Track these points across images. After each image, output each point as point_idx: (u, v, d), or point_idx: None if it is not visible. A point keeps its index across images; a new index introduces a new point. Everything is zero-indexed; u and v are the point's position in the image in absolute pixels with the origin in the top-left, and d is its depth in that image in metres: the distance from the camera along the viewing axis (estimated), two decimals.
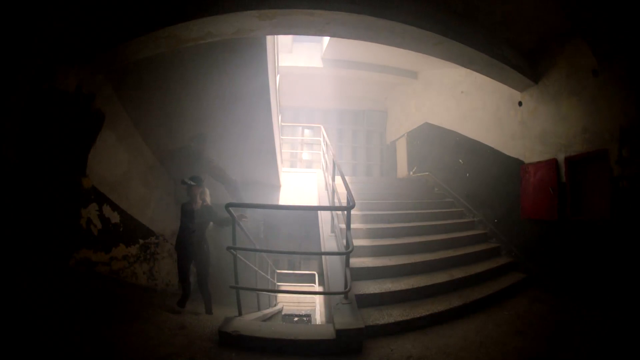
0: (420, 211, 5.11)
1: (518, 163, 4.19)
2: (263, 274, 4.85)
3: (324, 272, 3.44)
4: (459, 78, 5.71)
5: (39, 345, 1.80)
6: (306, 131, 10.28)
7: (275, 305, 6.23)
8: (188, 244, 3.44)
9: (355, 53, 6.80)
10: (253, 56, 3.44)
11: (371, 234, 4.13)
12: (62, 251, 2.86)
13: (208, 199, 3.72)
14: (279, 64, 5.54)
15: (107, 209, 3.68)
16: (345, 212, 2.87)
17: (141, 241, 4.60)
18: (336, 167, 4.06)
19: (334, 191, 4.41)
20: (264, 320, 3.72)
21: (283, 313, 6.42)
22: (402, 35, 3.21)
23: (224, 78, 3.62)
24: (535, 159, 3.91)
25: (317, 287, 7.45)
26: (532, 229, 3.97)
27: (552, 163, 3.62)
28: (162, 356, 2.03)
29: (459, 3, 3.23)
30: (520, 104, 4.21)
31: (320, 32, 3.42)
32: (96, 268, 3.45)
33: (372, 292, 2.94)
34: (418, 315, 2.73)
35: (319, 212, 4.68)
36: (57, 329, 2.00)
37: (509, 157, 4.42)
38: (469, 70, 4.21)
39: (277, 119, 5.26)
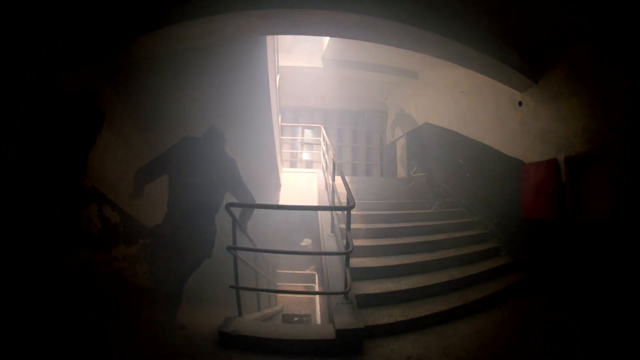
0: (420, 211, 5.11)
1: (518, 163, 4.19)
2: (263, 274, 4.85)
3: (324, 272, 3.44)
4: (459, 78, 5.71)
5: (38, 345, 1.80)
6: (306, 131, 10.27)
7: (275, 305, 6.23)
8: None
9: (355, 53, 6.79)
10: (253, 56, 3.44)
11: (371, 234, 4.13)
12: (61, 251, 2.85)
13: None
14: (279, 64, 5.54)
15: (107, 209, 3.68)
16: (345, 212, 2.87)
17: (141, 241, 4.60)
18: (336, 167, 4.06)
19: (334, 191, 4.41)
20: (264, 320, 3.72)
21: (283, 313, 6.41)
22: (402, 35, 3.21)
23: (224, 78, 3.62)
24: (535, 158, 3.91)
25: (317, 287, 7.45)
26: (532, 228, 3.97)
27: (552, 163, 3.62)
28: (162, 356, 2.03)
29: (459, 3, 3.23)
30: (520, 104, 4.21)
31: (320, 32, 3.42)
32: (96, 268, 3.45)
33: (372, 292, 2.94)
34: (418, 315, 2.73)
35: (319, 212, 4.68)
36: (57, 329, 2.00)
37: (509, 157, 4.42)
38: (469, 71, 4.21)
39: (277, 119, 5.26)
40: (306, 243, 5.12)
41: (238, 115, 4.22)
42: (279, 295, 7.01)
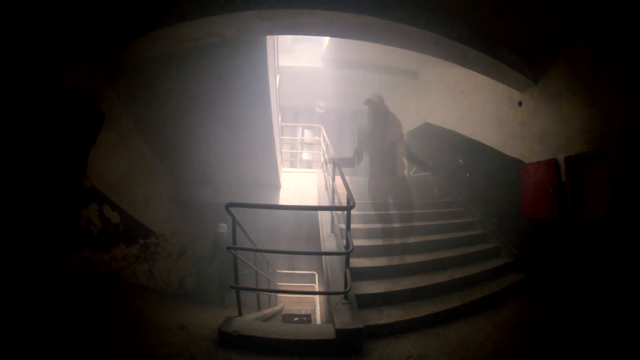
0: (420, 211, 5.10)
1: (518, 163, 4.19)
2: (263, 273, 4.85)
3: (324, 272, 3.44)
4: (459, 78, 5.71)
5: (38, 345, 1.80)
6: (306, 131, 10.27)
7: (275, 305, 6.23)
8: None
9: (355, 53, 6.79)
10: (253, 56, 3.44)
11: (371, 234, 4.13)
12: (62, 251, 2.86)
13: None
14: (279, 64, 5.54)
15: (107, 209, 3.69)
16: (345, 212, 2.87)
17: (141, 241, 4.61)
18: (336, 167, 4.06)
19: (334, 191, 4.41)
20: (264, 320, 3.72)
21: (283, 313, 6.42)
22: (402, 35, 3.21)
23: (224, 78, 3.62)
24: (535, 158, 3.91)
25: (317, 287, 7.45)
26: (531, 228, 3.97)
27: (552, 163, 3.62)
28: (162, 356, 2.03)
29: (458, 3, 3.23)
30: (520, 103, 4.21)
31: (320, 32, 3.42)
32: (96, 268, 3.45)
33: (372, 292, 2.94)
34: (418, 316, 2.73)
35: (319, 212, 4.68)
36: (57, 329, 2.00)
37: (508, 157, 4.42)
38: (468, 71, 4.21)
39: (277, 119, 5.26)
40: (222, 229, 5.25)
41: (238, 115, 4.22)
42: (279, 295, 7.02)
